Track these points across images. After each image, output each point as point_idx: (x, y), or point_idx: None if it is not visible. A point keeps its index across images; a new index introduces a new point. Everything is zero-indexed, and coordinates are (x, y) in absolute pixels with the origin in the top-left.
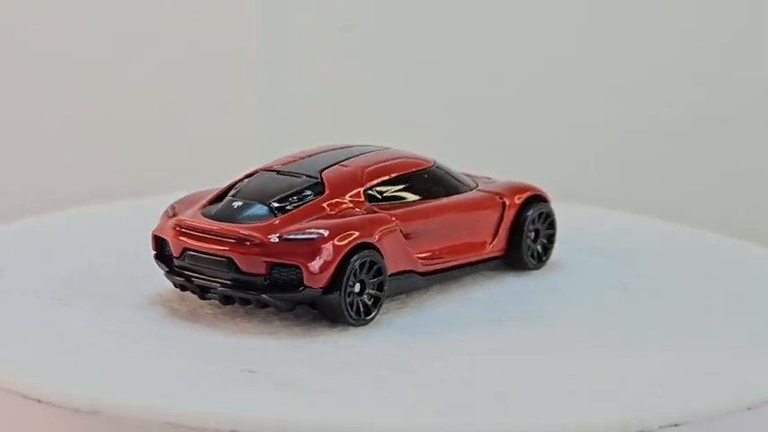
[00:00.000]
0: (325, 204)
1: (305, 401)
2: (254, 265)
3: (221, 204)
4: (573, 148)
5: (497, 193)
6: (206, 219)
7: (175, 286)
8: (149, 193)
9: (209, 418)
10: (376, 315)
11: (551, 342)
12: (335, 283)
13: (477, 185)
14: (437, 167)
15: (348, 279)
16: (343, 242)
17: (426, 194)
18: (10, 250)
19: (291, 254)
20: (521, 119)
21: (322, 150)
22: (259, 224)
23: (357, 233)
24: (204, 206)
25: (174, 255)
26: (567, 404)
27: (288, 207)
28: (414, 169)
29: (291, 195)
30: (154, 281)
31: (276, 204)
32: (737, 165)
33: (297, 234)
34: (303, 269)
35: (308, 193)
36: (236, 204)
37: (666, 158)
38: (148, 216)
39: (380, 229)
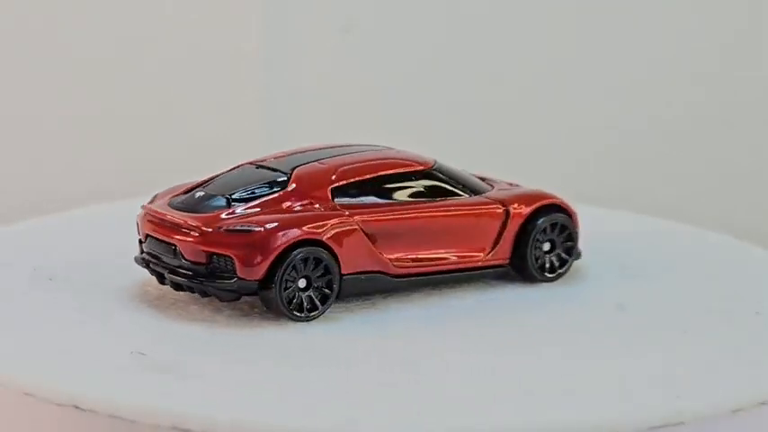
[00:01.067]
0: (283, 200)
1: (181, 388)
2: (195, 254)
3: (187, 194)
4: (573, 147)
5: (501, 201)
6: (169, 207)
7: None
8: (149, 193)
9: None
10: (322, 312)
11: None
12: (273, 276)
13: (489, 190)
14: (434, 170)
15: (284, 274)
16: (283, 237)
17: (410, 197)
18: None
19: (226, 245)
20: (521, 118)
21: (317, 148)
22: (207, 215)
23: (300, 229)
24: (177, 195)
25: (141, 240)
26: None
27: (245, 200)
28: (400, 170)
29: (254, 189)
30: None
31: (235, 196)
32: (738, 165)
33: (235, 226)
34: (235, 260)
35: (272, 188)
36: (198, 195)
37: (667, 158)
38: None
39: (332, 226)
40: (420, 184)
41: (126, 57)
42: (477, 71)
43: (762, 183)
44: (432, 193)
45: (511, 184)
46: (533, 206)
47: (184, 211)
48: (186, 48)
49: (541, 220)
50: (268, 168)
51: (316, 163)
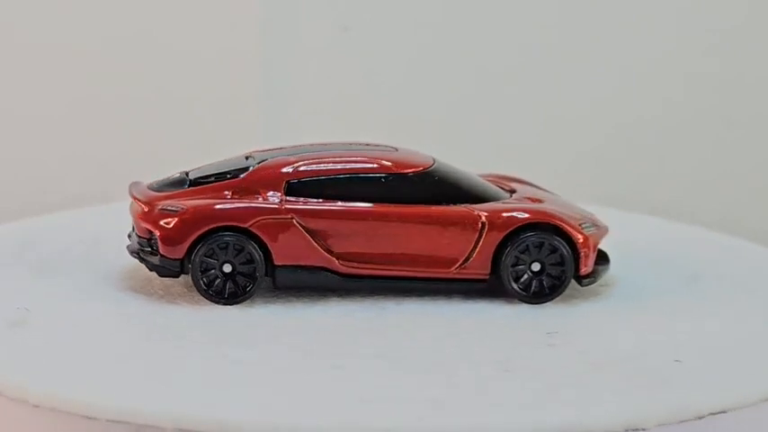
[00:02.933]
0: (229, 187)
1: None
2: (141, 230)
3: (173, 177)
4: (573, 147)
5: (485, 212)
6: (145, 189)
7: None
8: None
9: None
10: (243, 299)
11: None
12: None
13: (498, 199)
14: (425, 174)
15: (199, 256)
16: (202, 220)
17: (376, 199)
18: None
19: (155, 223)
20: (521, 118)
21: (327, 144)
22: (158, 194)
23: (223, 215)
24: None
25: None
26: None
27: (200, 183)
28: (370, 172)
29: (217, 175)
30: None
31: (195, 179)
32: (738, 164)
33: (169, 206)
34: (158, 238)
35: (231, 175)
36: (172, 177)
37: (666, 158)
38: None
39: (262, 217)
40: (392, 187)
41: (126, 56)
42: (477, 71)
43: (762, 183)
44: (406, 197)
45: (551, 194)
46: (522, 222)
47: (153, 191)
48: (186, 48)
49: (526, 237)
50: (251, 157)
51: (285, 157)
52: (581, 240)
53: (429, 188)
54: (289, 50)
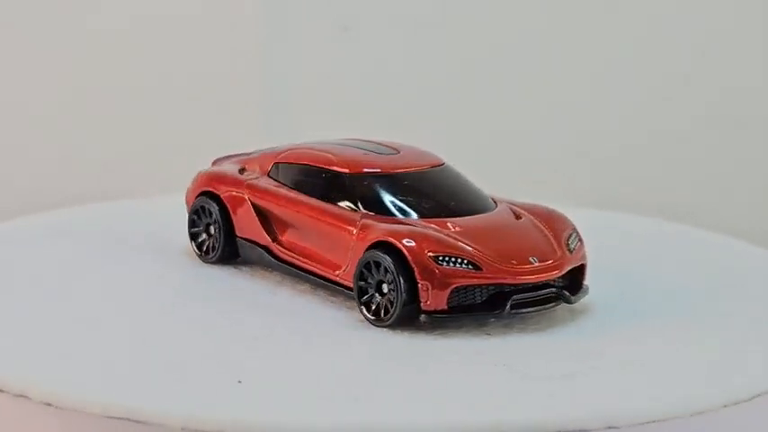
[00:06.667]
0: (240, 164)
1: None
2: None
3: None
4: (573, 147)
5: (363, 224)
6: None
7: None
8: (149, 191)
9: None
10: (211, 258)
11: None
12: None
13: (489, 207)
14: (359, 176)
15: (192, 217)
16: (199, 186)
17: (317, 192)
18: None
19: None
20: (521, 118)
21: (375, 141)
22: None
23: (208, 182)
24: None
25: None
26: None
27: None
28: (319, 165)
29: (243, 155)
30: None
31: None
32: (738, 164)
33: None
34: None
35: (247, 156)
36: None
37: (666, 158)
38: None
39: (227, 188)
40: (329, 185)
41: (126, 56)
42: (477, 71)
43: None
44: (334, 195)
45: (524, 210)
46: (374, 239)
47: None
48: (186, 47)
49: (370, 254)
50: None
51: (301, 144)
52: (418, 271)
53: (357, 191)
54: (289, 50)
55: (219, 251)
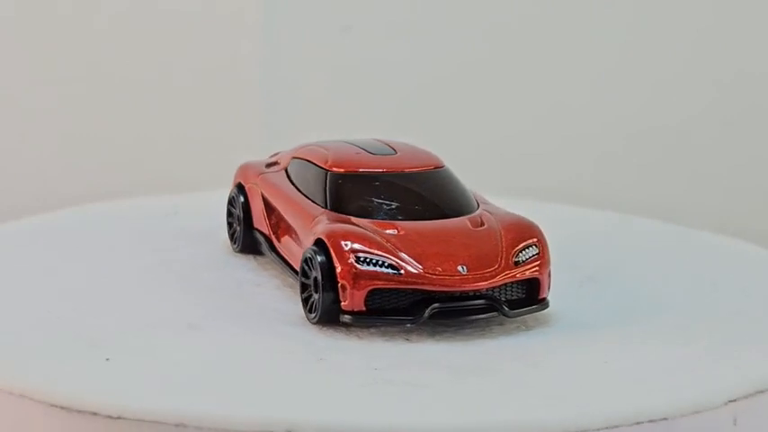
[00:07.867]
0: (280, 156)
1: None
2: None
3: None
4: (571, 148)
5: (319, 222)
6: None
7: None
8: (149, 191)
9: None
10: (237, 248)
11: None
12: None
13: (473, 210)
14: (343, 175)
15: (227, 207)
16: (234, 178)
17: (307, 188)
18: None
19: None
20: (521, 118)
21: (379, 140)
22: None
23: (238, 175)
24: None
25: None
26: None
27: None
28: (315, 162)
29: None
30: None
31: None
32: (737, 164)
33: None
34: None
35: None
36: None
37: (664, 159)
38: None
39: (253, 181)
40: (317, 181)
41: (126, 57)
42: (477, 71)
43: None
44: (317, 192)
45: (501, 214)
46: (316, 235)
47: None
48: (186, 48)
49: (309, 251)
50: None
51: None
52: (339, 270)
53: (330, 188)
54: (289, 50)
55: (241, 241)
